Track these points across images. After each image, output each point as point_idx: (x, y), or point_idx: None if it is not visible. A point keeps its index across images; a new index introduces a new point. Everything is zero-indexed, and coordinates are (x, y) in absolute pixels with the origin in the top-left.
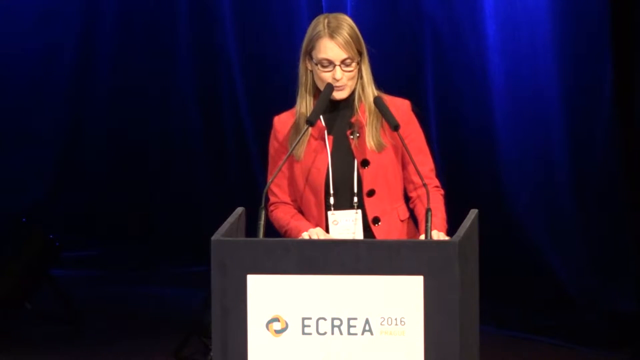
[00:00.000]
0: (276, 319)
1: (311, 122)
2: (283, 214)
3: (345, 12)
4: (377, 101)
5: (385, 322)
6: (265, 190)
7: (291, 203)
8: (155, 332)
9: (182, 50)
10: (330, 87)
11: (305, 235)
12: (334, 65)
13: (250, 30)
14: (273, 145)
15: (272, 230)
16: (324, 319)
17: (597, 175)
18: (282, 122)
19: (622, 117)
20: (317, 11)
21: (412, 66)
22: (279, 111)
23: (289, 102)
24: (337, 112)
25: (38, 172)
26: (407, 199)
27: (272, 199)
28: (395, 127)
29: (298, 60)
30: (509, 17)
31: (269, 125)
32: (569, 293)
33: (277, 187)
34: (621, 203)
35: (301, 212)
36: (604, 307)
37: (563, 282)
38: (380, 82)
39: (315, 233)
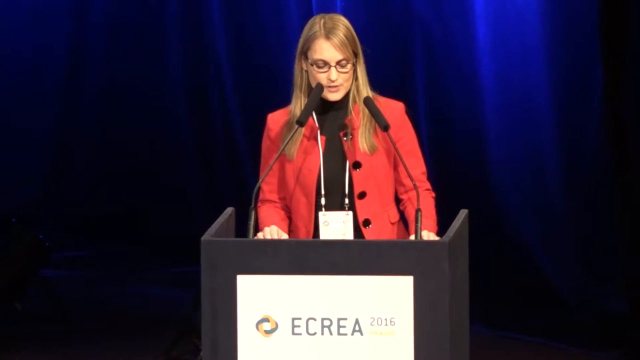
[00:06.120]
0: (266, 319)
1: (301, 122)
2: (264, 214)
3: (335, 12)
4: (367, 101)
5: (375, 323)
6: (255, 191)
7: (278, 201)
8: (145, 332)
9: (171, 50)
10: (320, 87)
11: (260, 235)
12: (329, 66)
13: (240, 30)
14: (265, 143)
15: None
16: (314, 319)
17: (587, 176)
18: (275, 121)
19: (612, 118)
20: (306, 11)
21: (402, 66)
22: (269, 111)
23: (278, 102)
24: (330, 112)
25: (28, 173)
26: (398, 201)
27: (260, 195)
28: (384, 127)
29: (288, 60)
30: (499, 17)
31: (258, 126)
32: (559, 293)
33: (266, 185)
34: (611, 203)
35: (289, 210)
36: (594, 307)
37: (553, 282)
38: (371, 83)
39: (269, 232)
